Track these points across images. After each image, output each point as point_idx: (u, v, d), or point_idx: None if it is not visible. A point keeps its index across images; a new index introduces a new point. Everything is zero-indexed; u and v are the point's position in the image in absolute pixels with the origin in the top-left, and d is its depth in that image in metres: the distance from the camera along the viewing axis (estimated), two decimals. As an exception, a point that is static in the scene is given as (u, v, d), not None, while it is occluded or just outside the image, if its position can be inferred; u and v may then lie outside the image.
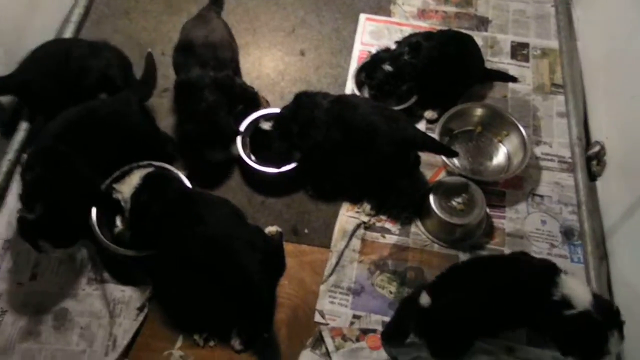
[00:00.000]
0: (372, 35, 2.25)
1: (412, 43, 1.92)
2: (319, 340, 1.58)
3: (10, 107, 1.97)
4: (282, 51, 2.22)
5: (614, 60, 1.91)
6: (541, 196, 1.86)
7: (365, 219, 1.80)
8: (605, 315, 1.34)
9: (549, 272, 1.40)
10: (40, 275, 1.68)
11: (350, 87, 2.07)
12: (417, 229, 1.80)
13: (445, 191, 1.78)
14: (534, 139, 1.98)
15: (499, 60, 2.17)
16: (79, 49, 1.87)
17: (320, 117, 1.69)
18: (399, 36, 2.20)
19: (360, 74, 2.03)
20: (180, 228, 1.50)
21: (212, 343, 1.59)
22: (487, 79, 2.11)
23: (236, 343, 1.57)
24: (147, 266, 1.66)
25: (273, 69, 2.17)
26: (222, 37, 1.96)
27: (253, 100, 1.97)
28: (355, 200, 1.84)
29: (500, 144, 1.96)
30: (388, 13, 2.32)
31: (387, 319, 1.62)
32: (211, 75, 1.81)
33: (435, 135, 1.88)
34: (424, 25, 2.26)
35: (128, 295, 1.65)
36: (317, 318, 1.64)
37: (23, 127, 1.92)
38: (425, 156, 1.85)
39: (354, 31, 2.26)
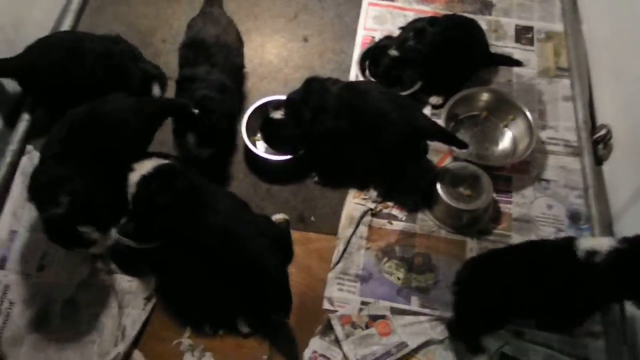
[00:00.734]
0: (375, 20, 2.23)
1: (417, 28, 1.90)
2: (328, 328, 1.58)
3: (13, 97, 1.94)
4: (284, 37, 2.20)
5: (619, 42, 1.90)
6: (547, 181, 1.86)
7: (372, 205, 1.80)
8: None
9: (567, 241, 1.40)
10: (48, 266, 1.67)
11: (354, 73, 2.05)
12: (424, 215, 1.80)
13: (452, 177, 1.78)
14: (540, 123, 1.97)
15: (503, 45, 2.15)
16: (95, 44, 1.83)
17: (330, 103, 1.67)
18: (402, 21, 2.19)
19: (364, 61, 2.01)
20: (190, 218, 1.49)
21: (221, 332, 1.59)
22: (492, 63, 2.09)
23: (243, 327, 1.57)
24: (152, 258, 1.65)
25: (276, 55, 2.15)
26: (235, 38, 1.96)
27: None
28: (362, 187, 1.83)
29: (506, 129, 1.95)
30: (391, -3, 2.29)
31: (395, 305, 1.63)
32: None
33: (441, 121, 1.88)
34: (427, 10, 2.24)
35: (135, 286, 1.64)
36: (326, 305, 1.64)
37: (25, 117, 1.90)
38: (432, 142, 1.84)
39: (357, 16, 2.24)
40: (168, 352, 1.56)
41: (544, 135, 1.95)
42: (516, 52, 2.14)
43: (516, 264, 1.45)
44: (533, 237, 1.74)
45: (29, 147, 1.86)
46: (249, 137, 1.85)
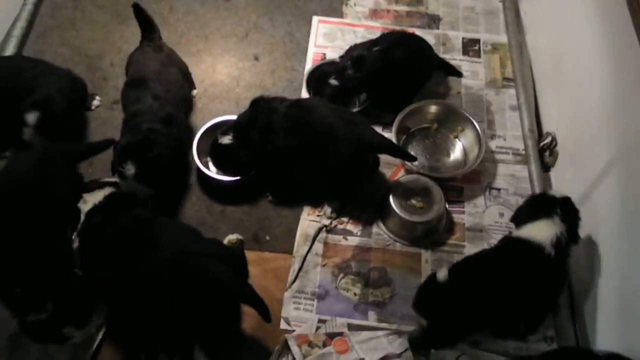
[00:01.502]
0: (325, 37, 2.25)
1: (355, 57, 1.90)
2: (286, 349, 1.56)
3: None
4: (235, 57, 2.19)
5: (561, 51, 1.96)
6: (498, 189, 1.89)
7: (327, 222, 1.80)
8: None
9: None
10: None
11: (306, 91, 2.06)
12: (379, 229, 1.80)
13: (405, 190, 1.79)
14: (489, 133, 2.01)
15: (451, 57, 2.20)
16: (30, 69, 1.78)
17: (278, 121, 1.67)
18: (352, 37, 2.22)
19: (310, 82, 2.01)
20: (135, 254, 1.45)
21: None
22: (438, 68, 2.12)
23: (201, 356, 1.54)
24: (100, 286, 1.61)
25: (227, 75, 2.15)
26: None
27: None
28: (316, 204, 1.83)
29: (457, 140, 1.99)
30: (340, 14, 2.32)
31: (352, 321, 1.62)
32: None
33: (392, 134, 1.90)
34: (376, 25, 2.27)
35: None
36: (283, 325, 1.62)
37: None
38: (383, 155, 1.85)
39: (308, 34, 2.25)
40: (121, 383, 1.52)
41: (493, 144, 1.99)
42: (464, 64, 2.19)
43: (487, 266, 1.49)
44: (486, 246, 1.76)
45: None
46: (200, 158, 1.83)
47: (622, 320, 1.44)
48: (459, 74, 2.13)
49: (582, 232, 1.64)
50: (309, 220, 1.80)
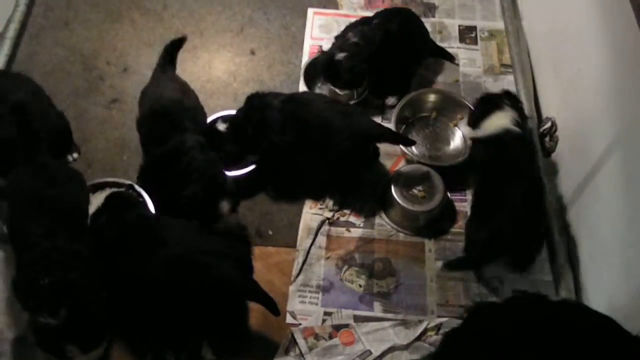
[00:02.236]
0: (321, 29, 2.23)
1: (356, 31, 1.90)
2: (293, 342, 1.56)
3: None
4: (231, 52, 2.18)
5: (558, 35, 1.95)
6: (500, 176, 1.89)
7: (329, 214, 1.79)
8: None
9: None
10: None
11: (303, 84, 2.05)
12: (381, 220, 1.80)
13: (406, 180, 1.79)
14: (489, 120, 2.00)
15: (448, 45, 2.18)
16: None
17: (273, 117, 1.66)
18: (348, 28, 2.20)
19: (310, 71, 2.00)
20: (141, 252, 1.45)
21: (183, 358, 1.55)
22: (433, 54, 2.13)
23: (208, 353, 1.54)
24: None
25: (224, 70, 2.13)
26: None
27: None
28: (318, 197, 1.83)
29: (456, 128, 1.98)
30: (336, 5, 2.31)
31: (358, 312, 1.63)
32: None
33: (391, 124, 1.89)
34: (372, 15, 2.25)
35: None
36: (289, 319, 1.62)
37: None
38: (383, 146, 1.85)
39: (303, 26, 2.24)
40: (128, 381, 1.52)
41: (493, 131, 1.98)
42: (461, 52, 2.18)
43: None
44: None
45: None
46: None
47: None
48: (451, 59, 2.13)
49: (582, 217, 1.66)
50: (311, 213, 1.80)
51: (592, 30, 1.66)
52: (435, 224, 1.79)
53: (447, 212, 1.81)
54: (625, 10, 1.40)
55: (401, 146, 1.85)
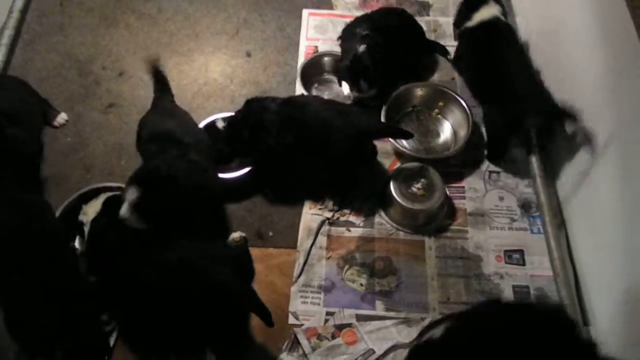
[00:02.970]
0: (316, 30, 2.24)
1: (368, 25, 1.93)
2: (295, 343, 1.56)
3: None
4: (227, 54, 2.18)
5: (553, 30, 1.95)
6: (497, 172, 1.90)
7: (329, 214, 1.80)
8: None
9: None
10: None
11: (299, 85, 2.05)
12: (381, 218, 1.81)
13: (405, 178, 1.80)
14: (485, 117, 2.01)
15: (443, 43, 2.19)
16: None
17: (270, 119, 1.67)
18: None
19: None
20: (141, 256, 1.45)
21: (186, 361, 1.56)
22: (429, 49, 2.16)
23: (211, 358, 1.54)
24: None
25: (220, 73, 2.14)
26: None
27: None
28: (317, 198, 1.83)
29: (442, 118, 1.99)
30: (330, 6, 2.31)
31: (360, 311, 1.63)
32: None
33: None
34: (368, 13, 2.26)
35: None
36: (292, 320, 1.62)
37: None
38: (381, 145, 1.85)
39: (298, 27, 2.24)
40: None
41: (490, 128, 1.99)
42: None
43: None
44: (488, 230, 1.78)
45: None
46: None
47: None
48: (445, 53, 2.15)
49: (580, 212, 1.66)
50: (311, 214, 1.80)
51: (586, 24, 1.67)
52: (435, 221, 1.79)
53: (446, 210, 1.81)
54: (619, 2, 1.41)
55: (395, 143, 1.86)
